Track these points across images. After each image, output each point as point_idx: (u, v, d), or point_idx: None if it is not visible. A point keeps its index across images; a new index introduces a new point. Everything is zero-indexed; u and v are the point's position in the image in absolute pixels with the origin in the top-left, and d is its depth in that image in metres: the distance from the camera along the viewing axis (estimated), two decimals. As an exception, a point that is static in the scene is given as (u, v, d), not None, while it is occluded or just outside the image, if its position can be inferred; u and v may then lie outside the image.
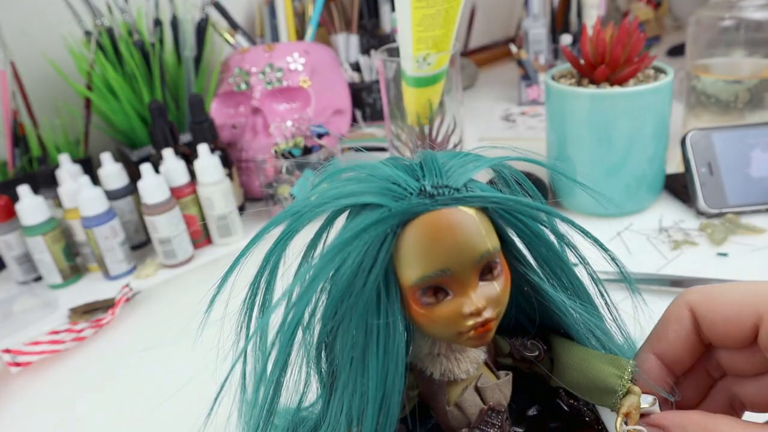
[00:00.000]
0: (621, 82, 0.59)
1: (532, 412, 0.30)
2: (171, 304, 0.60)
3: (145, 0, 0.80)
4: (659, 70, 0.62)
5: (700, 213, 0.62)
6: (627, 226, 0.62)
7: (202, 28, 0.81)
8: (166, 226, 0.64)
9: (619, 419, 0.26)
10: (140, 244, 0.71)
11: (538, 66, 1.04)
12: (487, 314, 0.24)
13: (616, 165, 0.61)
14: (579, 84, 0.61)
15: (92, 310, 0.59)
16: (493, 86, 1.20)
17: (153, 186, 0.62)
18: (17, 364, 0.51)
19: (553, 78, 0.64)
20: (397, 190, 0.23)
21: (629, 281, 0.29)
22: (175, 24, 0.80)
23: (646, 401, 0.27)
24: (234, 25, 0.87)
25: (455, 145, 0.65)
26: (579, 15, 1.04)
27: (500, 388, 0.27)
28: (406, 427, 0.28)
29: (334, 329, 0.24)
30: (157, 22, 0.78)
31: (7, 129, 0.70)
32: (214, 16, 0.86)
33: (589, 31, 0.60)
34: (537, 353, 0.28)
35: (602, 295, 0.29)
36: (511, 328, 0.29)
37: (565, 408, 0.30)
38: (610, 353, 0.28)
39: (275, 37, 0.93)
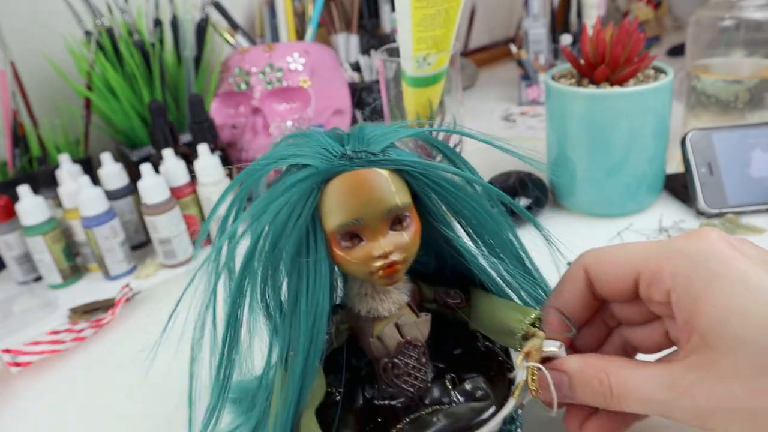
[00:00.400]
0: (621, 82, 0.59)
1: (456, 351, 0.35)
2: (171, 304, 0.60)
3: (145, 0, 0.80)
4: (659, 70, 0.62)
5: (700, 213, 0.62)
6: (627, 226, 0.62)
7: (202, 28, 0.81)
8: (166, 226, 0.64)
9: (521, 357, 0.30)
10: (140, 244, 0.71)
11: (538, 66, 1.04)
12: (394, 257, 0.28)
13: (616, 165, 0.61)
14: (579, 84, 0.61)
15: (92, 310, 0.59)
16: (493, 86, 1.20)
17: (153, 186, 0.62)
18: (17, 364, 0.51)
19: (553, 78, 0.64)
20: (324, 153, 0.28)
21: (535, 223, 0.34)
22: (175, 24, 0.80)
23: (554, 346, 0.30)
24: (234, 25, 0.87)
25: (455, 145, 0.65)
26: (579, 15, 1.04)
27: (418, 326, 0.31)
28: (340, 359, 0.32)
29: (273, 266, 0.29)
30: (157, 22, 0.78)
31: (7, 129, 0.70)
32: (214, 16, 0.86)
33: (589, 31, 0.60)
34: (459, 300, 0.33)
35: (523, 255, 0.34)
36: (440, 280, 0.34)
37: (482, 349, 0.34)
38: (526, 305, 0.33)
39: (275, 37, 0.93)
